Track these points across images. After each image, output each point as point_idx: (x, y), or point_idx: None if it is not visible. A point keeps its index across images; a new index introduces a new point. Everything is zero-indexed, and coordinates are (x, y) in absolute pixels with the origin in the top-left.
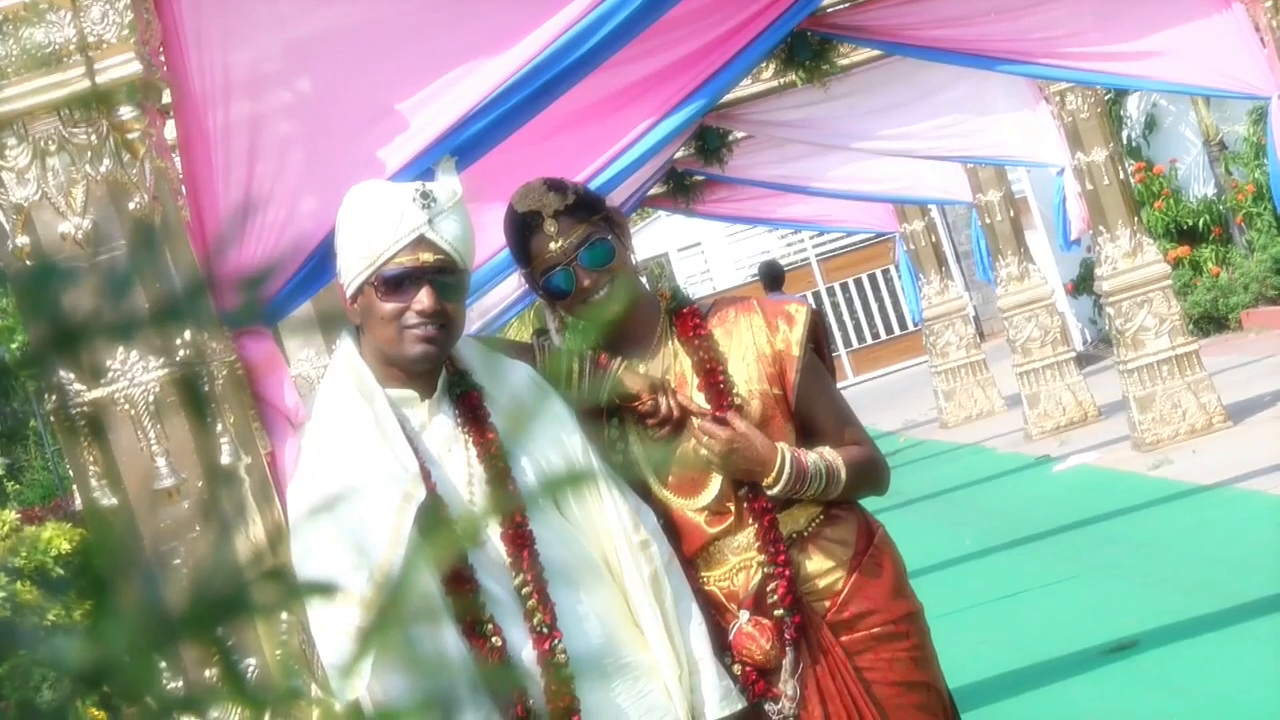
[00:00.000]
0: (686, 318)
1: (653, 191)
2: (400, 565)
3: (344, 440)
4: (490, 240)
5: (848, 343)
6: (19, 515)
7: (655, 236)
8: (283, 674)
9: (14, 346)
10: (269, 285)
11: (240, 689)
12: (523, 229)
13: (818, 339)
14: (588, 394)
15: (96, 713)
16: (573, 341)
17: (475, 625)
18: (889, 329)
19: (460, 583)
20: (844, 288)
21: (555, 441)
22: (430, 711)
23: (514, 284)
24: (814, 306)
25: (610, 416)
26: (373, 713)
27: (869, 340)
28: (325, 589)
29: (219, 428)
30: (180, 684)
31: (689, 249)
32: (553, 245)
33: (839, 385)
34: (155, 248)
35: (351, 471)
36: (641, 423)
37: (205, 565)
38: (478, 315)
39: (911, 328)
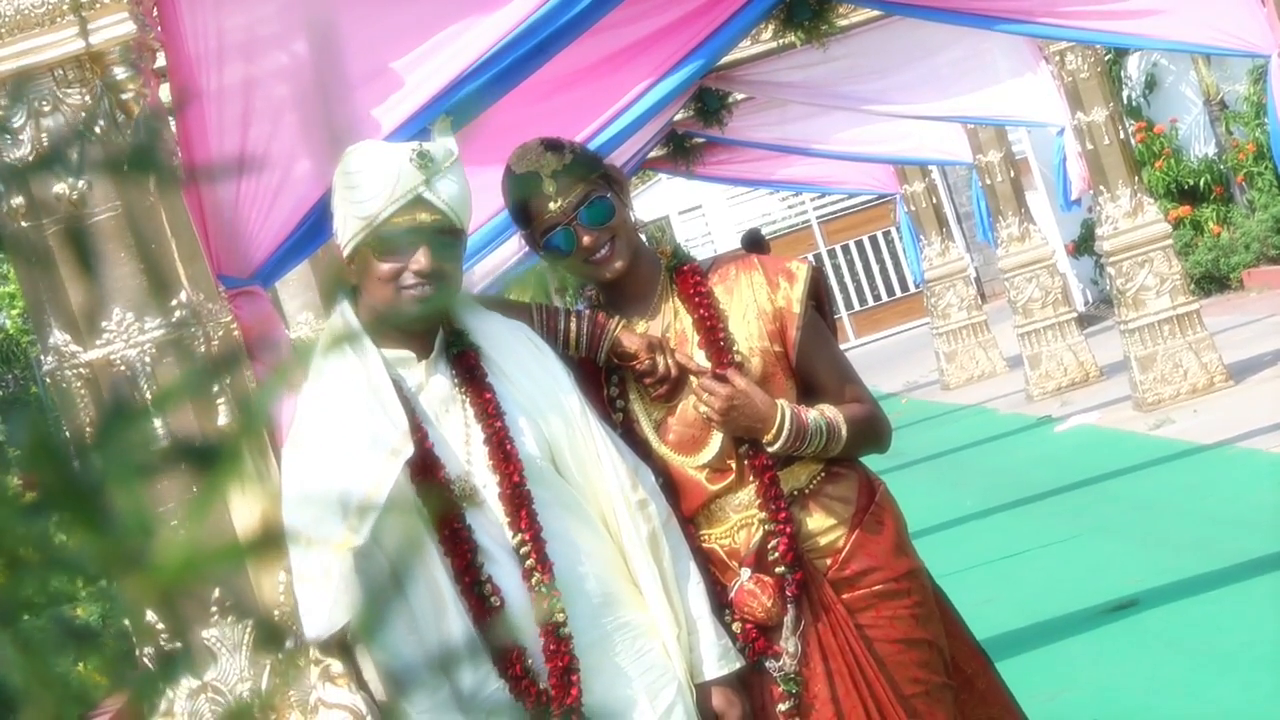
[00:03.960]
0: (687, 275)
1: (653, 154)
2: (377, 516)
3: (336, 397)
4: (489, 202)
5: (849, 305)
6: (21, 481)
7: (656, 199)
8: (137, 531)
9: (14, 314)
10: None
11: (93, 523)
12: (521, 190)
13: (819, 296)
14: (586, 353)
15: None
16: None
17: (473, 585)
18: (890, 291)
19: (458, 542)
20: (845, 250)
21: (553, 401)
22: (430, 671)
23: (515, 246)
24: (815, 264)
25: (609, 376)
26: (375, 674)
27: (870, 302)
28: (218, 458)
29: (215, 389)
30: (179, 644)
31: (690, 212)
32: (552, 205)
33: (841, 347)
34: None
35: (341, 427)
36: (640, 382)
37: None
38: (481, 276)
39: (913, 289)
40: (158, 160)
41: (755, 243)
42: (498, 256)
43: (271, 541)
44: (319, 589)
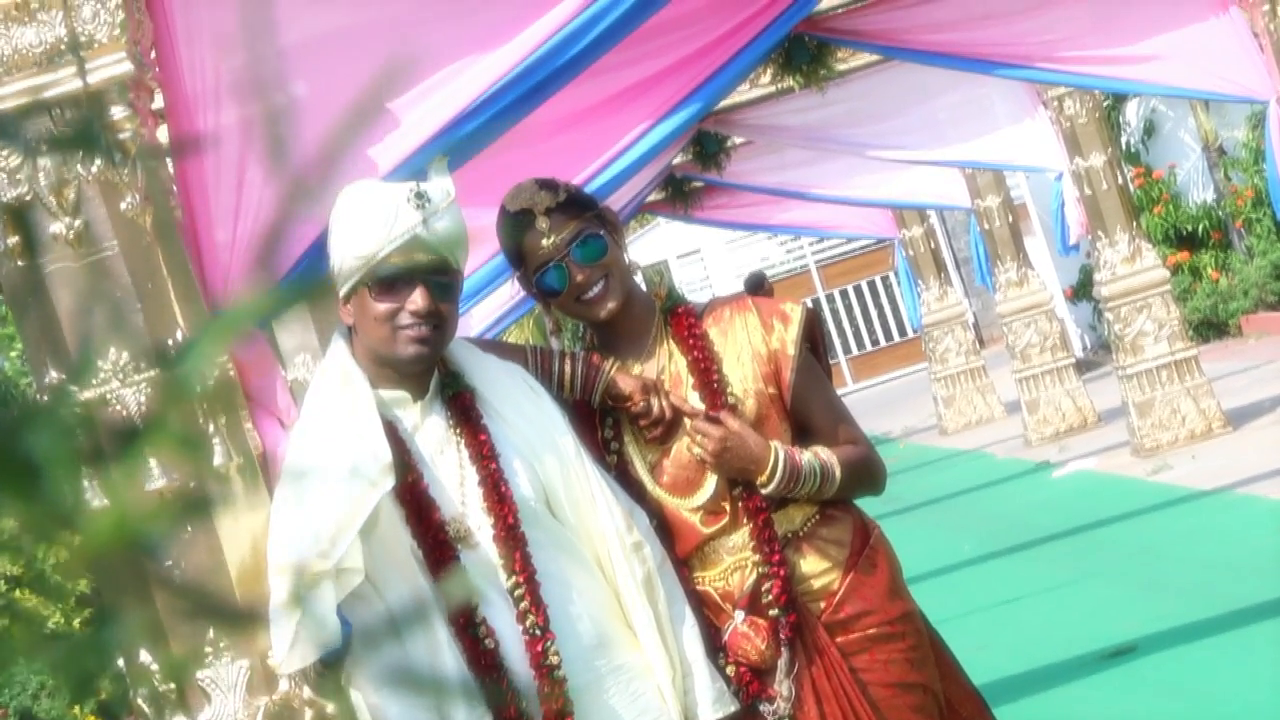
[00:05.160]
0: (681, 317)
1: (651, 197)
2: (349, 547)
3: (323, 432)
4: (486, 245)
5: (847, 349)
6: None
7: (654, 243)
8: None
9: (13, 355)
10: None
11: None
12: (515, 228)
13: (813, 338)
14: (580, 395)
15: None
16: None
17: (468, 626)
18: (888, 335)
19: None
20: (843, 294)
21: (548, 443)
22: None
23: (512, 289)
24: (810, 306)
25: (604, 418)
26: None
27: (868, 347)
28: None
29: (210, 428)
30: (171, 686)
31: (688, 256)
32: (545, 241)
33: (839, 392)
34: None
35: (324, 459)
36: (635, 423)
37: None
38: (479, 320)
39: (911, 334)
40: (97, 137)
41: (758, 285)
42: (495, 300)
43: (199, 506)
44: (288, 617)
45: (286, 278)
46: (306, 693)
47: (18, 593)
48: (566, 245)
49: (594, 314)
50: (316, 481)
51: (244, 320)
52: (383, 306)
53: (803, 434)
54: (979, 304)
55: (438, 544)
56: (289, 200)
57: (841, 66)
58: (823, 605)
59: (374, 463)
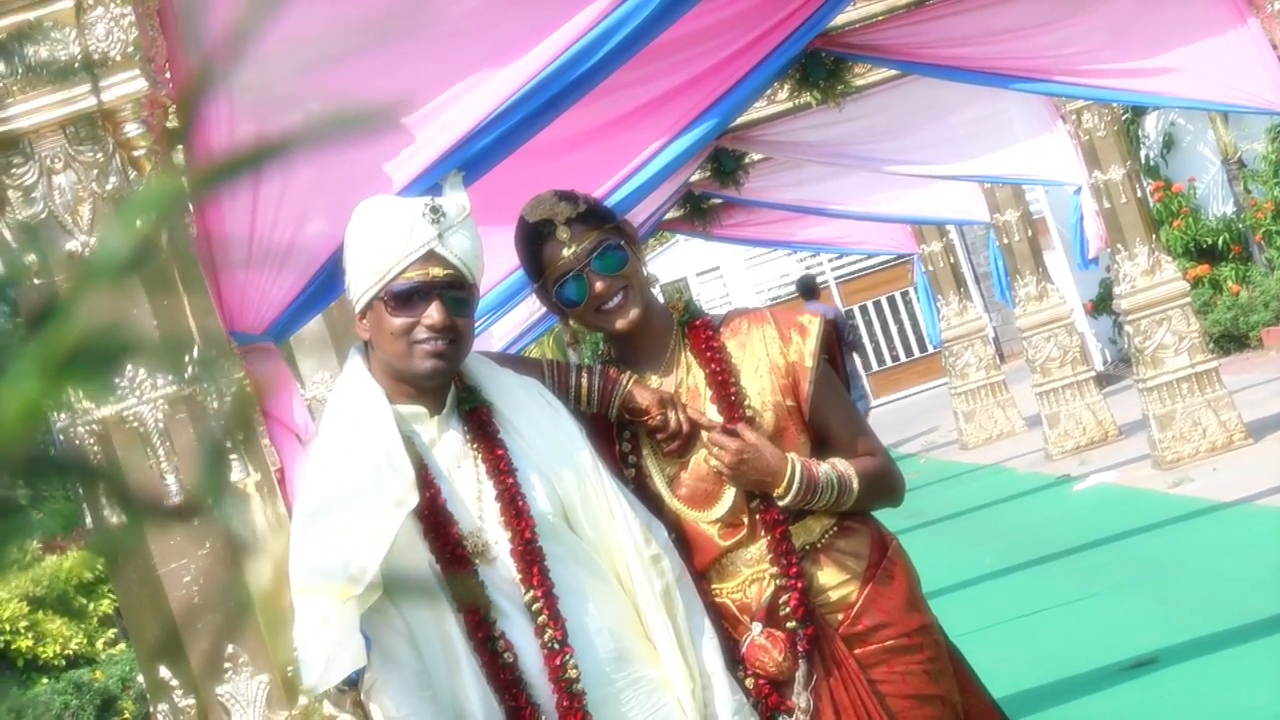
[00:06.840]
0: (699, 330)
1: (670, 215)
2: (378, 567)
3: (343, 449)
4: (503, 262)
5: (867, 365)
6: (40, 544)
7: (674, 261)
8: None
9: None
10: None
11: None
12: (535, 238)
13: (831, 349)
14: (597, 409)
15: None
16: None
17: (486, 641)
18: (908, 351)
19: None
20: (863, 310)
21: (565, 457)
22: None
23: (530, 306)
24: (829, 316)
25: (621, 431)
26: None
27: (889, 363)
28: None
29: (228, 445)
30: (192, 701)
31: (708, 273)
32: (565, 252)
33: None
34: None
35: (346, 478)
36: (652, 437)
37: None
38: (499, 338)
39: (931, 349)
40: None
41: (809, 288)
42: (515, 317)
43: (92, 376)
44: (317, 637)
45: (302, 295)
46: (327, 707)
47: (40, 614)
48: (587, 255)
49: (613, 324)
50: (341, 502)
51: (161, 199)
52: (399, 321)
53: (821, 446)
54: (999, 319)
55: (455, 559)
56: (199, 80)
57: (859, 82)
58: (840, 617)
59: (397, 481)
